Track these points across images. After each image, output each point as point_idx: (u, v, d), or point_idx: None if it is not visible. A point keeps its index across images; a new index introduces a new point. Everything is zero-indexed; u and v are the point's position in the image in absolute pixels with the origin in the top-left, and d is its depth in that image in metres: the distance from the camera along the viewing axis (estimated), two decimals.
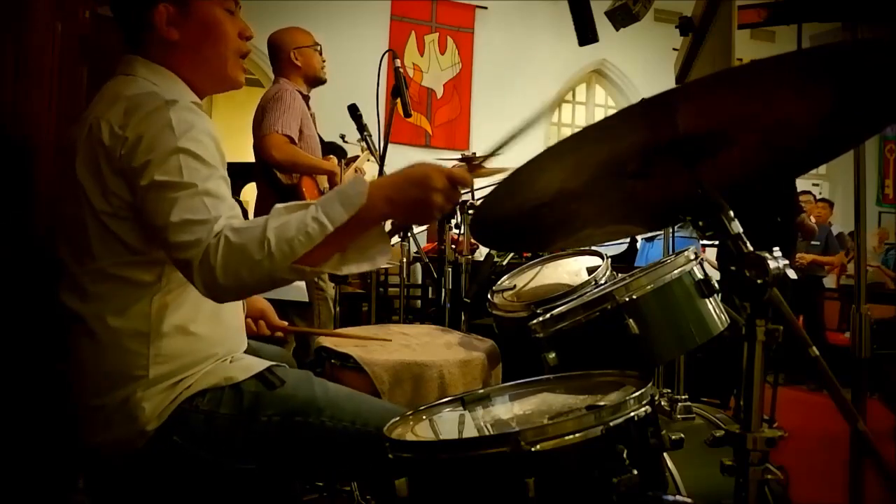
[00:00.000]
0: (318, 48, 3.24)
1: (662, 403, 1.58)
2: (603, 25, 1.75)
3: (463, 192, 1.23)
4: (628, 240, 6.25)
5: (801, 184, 6.64)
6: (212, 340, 1.30)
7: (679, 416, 1.59)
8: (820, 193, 8.31)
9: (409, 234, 2.70)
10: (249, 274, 1.09)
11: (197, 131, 1.19)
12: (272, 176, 3.01)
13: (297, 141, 2.98)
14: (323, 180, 3.23)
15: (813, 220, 6.13)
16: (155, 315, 1.23)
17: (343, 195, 1.14)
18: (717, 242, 1.07)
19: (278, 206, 1.15)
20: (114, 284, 1.22)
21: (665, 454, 1.16)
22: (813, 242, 6.51)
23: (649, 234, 5.37)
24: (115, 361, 1.22)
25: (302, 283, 2.65)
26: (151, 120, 1.17)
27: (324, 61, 3.26)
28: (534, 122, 1.16)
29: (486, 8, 8.08)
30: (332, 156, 3.46)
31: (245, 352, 1.42)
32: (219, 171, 1.20)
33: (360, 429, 1.28)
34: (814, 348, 1.16)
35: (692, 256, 1.48)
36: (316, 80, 3.24)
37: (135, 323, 1.22)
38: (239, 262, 1.08)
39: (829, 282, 7.10)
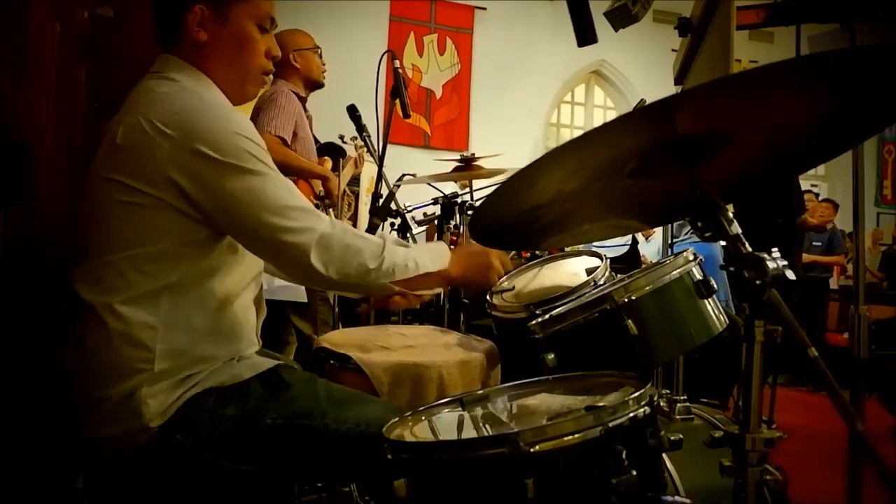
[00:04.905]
0: (319, 51, 3.23)
1: (661, 404, 1.59)
2: (602, 26, 1.76)
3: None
4: (630, 242, 6.25)
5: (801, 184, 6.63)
6: (220, 339, 1.30)
7: (678, 417, 1.59)
8: (819, 194, 8.30)
9: (408, 236, 2.70)
10: (356, 274, 1.31)
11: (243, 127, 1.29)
12: None
13: (290, 143, 2.98)
14: (318, 184, 3.23)
15: (817, 217, 6.13)
16: (165, 310, 1.24)
17: (434, 252, 1.45)
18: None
19: (390, 236, 1.43)
20: (129, 276, 1.23)
21: (664, 455, 1.16)
22: (814, 243, 6.51)
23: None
24: (122, 352, 1.22)
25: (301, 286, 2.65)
26: (200, 114, 1.24)
27: (324, 65, 3.26)
28: None
29: (485, 9, 8.09)
30: (326, 157, 3.46)
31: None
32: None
33: (364, 430, 1.29)
34: (812, 349, 1.16)
35: (691, 257, 1.48)
36: (314, 84, 3.24)
37: (145, 315, 1.22)
38: (350, 261, 1.30)
39: (831, 282, 7.10)
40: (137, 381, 1.21)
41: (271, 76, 3.14)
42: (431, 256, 1.43)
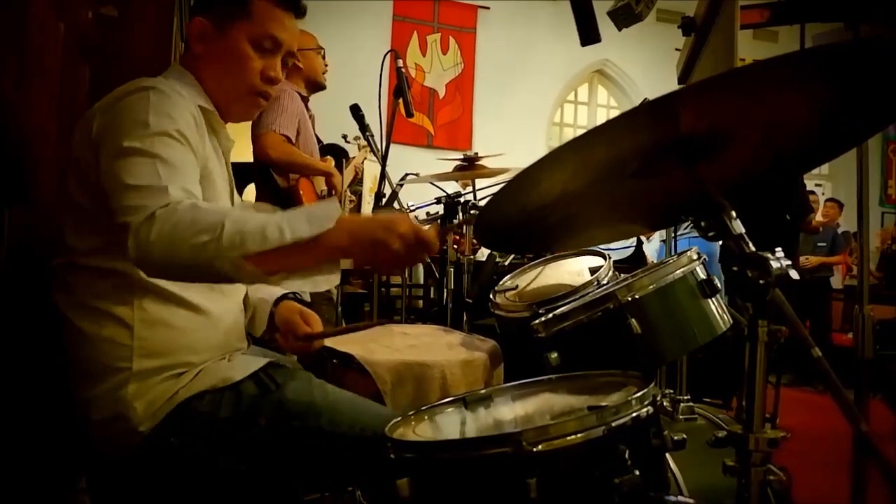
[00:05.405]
0: (322, 52, 3.23)
1: (665, 404, 1.58)
2: (605, 25, 1.75)
3: (427, 254, 1.16)
4: (635, 242, 6.24)
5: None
6: (201, 338, 1.29)
7: (681, 417, 1.58)
8: (823, 194, 8.29)
9: None
10: (190, 253, 1.03)
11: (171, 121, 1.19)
12: (269, 177, 3.01)
13: (294, 141, 2.99)
14: (320, 182, 3.23)
15: (820, 218, 6.14)
16: (137, 307, 1.23)
17: (311, 214, 1.08)
18: None
19: (247, 201, 1.16)
20: (91, 276, 1.23)
21: (667, 455, 1.16)
22: (819, 244, 6.52)
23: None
24: (100, 351, 1.22)
25: None
26: (129, 100, 1.20)
27: (326, 66, 3.26)
28: None
29: (488, 8, 8.08)
30: (329, 157, 3.46)
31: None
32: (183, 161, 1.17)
33: (359, 433, 1.28)
34: (816, 349, 1.15)
35: (694, 257, 1.48)
36: (316, 85, 3.24)
37: (116, 314, 1.22)
38: (181, 238, 1.03)
39: (835, 282, 7.10)
40: (119, 381, 1.21)
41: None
42: (311, 218, 1.06)
